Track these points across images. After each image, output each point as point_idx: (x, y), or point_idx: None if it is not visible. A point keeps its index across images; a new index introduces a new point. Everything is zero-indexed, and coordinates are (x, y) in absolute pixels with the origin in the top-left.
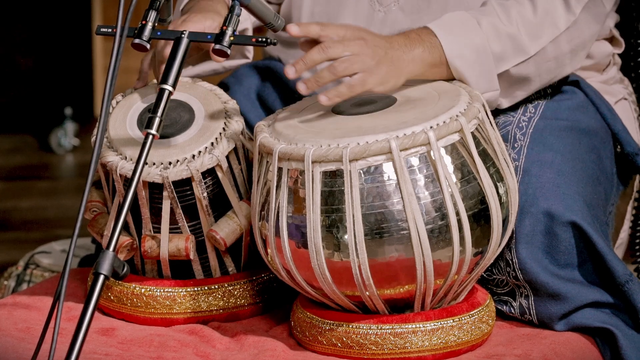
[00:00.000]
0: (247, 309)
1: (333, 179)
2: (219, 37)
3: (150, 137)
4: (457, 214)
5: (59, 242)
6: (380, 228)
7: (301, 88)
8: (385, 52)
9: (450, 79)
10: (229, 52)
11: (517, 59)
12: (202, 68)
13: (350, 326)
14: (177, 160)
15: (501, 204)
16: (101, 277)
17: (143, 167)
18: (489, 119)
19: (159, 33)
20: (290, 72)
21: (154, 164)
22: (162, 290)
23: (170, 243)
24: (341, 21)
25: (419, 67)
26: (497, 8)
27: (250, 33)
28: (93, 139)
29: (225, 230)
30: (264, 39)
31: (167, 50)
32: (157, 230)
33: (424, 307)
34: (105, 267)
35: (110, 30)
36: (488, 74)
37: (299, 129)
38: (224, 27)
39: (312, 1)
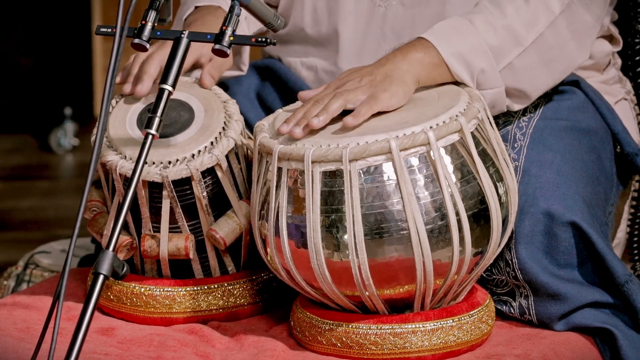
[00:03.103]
0: (246, 308)
1: (333, 179)
2: (218, 37)
3: (150, 136)
4: (457, 214)
5: (59, 242)
6: (380, 228)
7: (315, 122)
8: (375, 73)
9: (456, 81)
10: (228, 52)
11: (517, 49)
12: (197, 75)
13: (350, 326)
14: (177, 160)
15: (501, 204)
16: (101, 277)
17: (143, 166)
18: (488, 119)
19: (158, 33)
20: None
21: (153, 163)
22: (161, 290)
23: (169, 242)
24: (342, 16)
25: (420, 68)
26: (489, 5)
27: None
28: (93, 138)
29: (225, 229)
30: (263, 39)
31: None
32: (157, 229)
33: (424, 307)
34: (104, 267)
35: (110, 30)
36: (489, 71)
37: None
38: (224, 27)
39: None
